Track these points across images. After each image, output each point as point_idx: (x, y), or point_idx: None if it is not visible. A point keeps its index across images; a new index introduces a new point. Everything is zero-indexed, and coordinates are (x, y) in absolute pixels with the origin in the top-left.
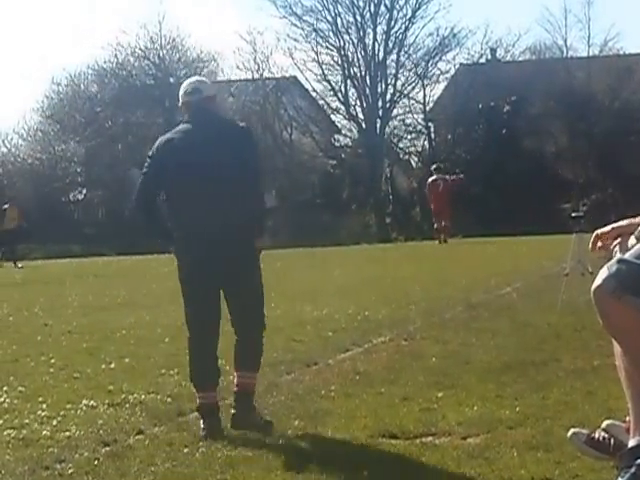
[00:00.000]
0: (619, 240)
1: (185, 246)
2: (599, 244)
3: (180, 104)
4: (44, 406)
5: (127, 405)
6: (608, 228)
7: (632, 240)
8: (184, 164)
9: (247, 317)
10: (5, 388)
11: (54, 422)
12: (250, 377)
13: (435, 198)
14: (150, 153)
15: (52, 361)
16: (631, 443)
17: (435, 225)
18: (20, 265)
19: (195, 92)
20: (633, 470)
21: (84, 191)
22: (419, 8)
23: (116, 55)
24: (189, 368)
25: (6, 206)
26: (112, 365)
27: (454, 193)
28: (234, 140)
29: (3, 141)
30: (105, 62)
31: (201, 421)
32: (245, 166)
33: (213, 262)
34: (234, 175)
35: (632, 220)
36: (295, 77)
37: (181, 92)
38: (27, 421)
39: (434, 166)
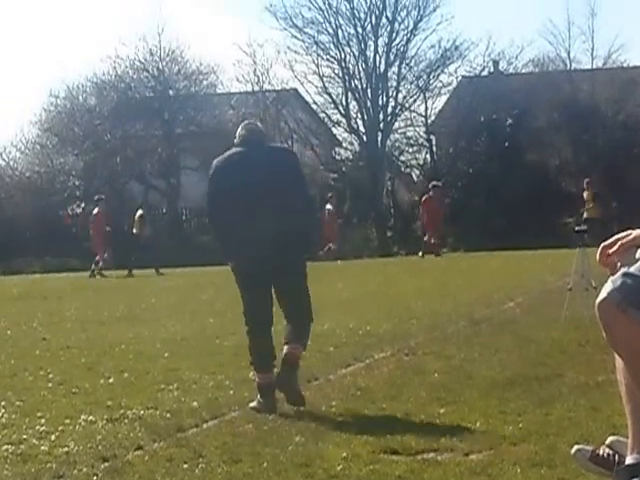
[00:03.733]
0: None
1: (241, 251)
2: (604, 259)
3: (239, 131)
4: (42, 421)
5: (126, 420)
6: (613, 239)
7: (638, 254)
8: (239, 180)
9: (296, 314)
10: (3, 403)
11: (52, 437)
12: (297, 348)
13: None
14: (210, 173)
15: (50, 376)
16: (628, 460)
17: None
18: (161, 272)
19: (253, 124)
20: None
21: (82, 205)
22: (421, 20)
23: (115, 67)
24: (250, 355)
25: (140, 212)
26: (111, 380)
27: (430, 211)
28: (280, 158)
29: (1, 154)
30: (104, 74)
31: (258, 397)
32: (292, 180)
33: (265, 265)
34: (282, 187)
35: (638, 232)
36: (296, 89)
37: (241, 125)
38: (25, 436)
39: (432, 183)
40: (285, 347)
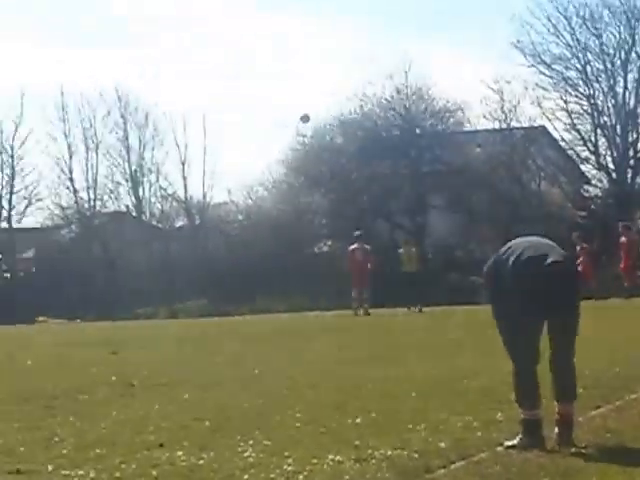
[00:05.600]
0: None
1: (522, 284)
2: None
3: None
4: (290, 461)
5: (373, 460)
6: None
7: None
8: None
9: (567, 347)
10: (251, 442)
11: (300, 477)
12: (570, 407)
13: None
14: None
15: (298, 415)
16: None
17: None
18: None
19: None
20: None
21: (329, 243)
22: None
23: (362, 106)
24: (514, 390)
25: (401, 251)
26: (358, 420)
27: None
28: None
29: (249, 193)
30: (350, 113)
31: (520, 435)
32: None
33: (544, 296)
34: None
35: None
36: (543, 126)
37: None
38: (273, 475)
39: (621, 224)
40: (557, 406)
